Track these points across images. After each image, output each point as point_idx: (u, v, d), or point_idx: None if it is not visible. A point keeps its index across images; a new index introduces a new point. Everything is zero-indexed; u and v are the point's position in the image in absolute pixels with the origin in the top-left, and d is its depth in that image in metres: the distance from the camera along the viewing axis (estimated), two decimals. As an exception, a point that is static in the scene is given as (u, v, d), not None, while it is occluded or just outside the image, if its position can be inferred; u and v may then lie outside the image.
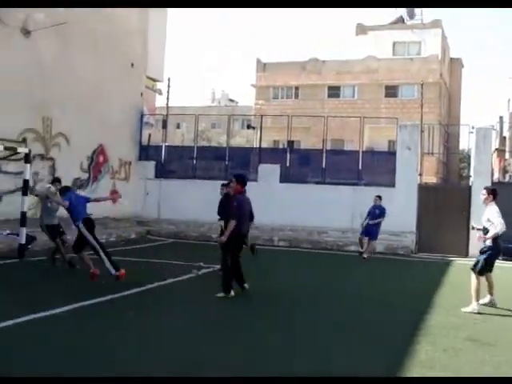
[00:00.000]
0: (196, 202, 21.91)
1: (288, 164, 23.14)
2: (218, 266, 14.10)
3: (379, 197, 18.86)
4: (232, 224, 10.51)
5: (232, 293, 10.57)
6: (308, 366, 6.76)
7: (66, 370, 6.14)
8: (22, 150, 15.50)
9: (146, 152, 24.73)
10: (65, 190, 12.57)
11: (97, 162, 21.37)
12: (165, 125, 26.14)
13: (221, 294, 10.49)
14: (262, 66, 49.26)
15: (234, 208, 10.67)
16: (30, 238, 14.93)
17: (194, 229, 22.55)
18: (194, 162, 24.43)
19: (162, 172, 24.20)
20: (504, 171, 22.90)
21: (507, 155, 36.34)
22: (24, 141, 17.96)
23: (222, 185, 14.46)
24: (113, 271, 11.23)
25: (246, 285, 11.05)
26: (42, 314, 8.51)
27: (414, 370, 6.71)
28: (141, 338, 7.71)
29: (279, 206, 21.14)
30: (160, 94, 35.63)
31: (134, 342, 7.47)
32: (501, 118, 46.26)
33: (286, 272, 15.01)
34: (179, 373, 6.27)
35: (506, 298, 11.47)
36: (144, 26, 24.54)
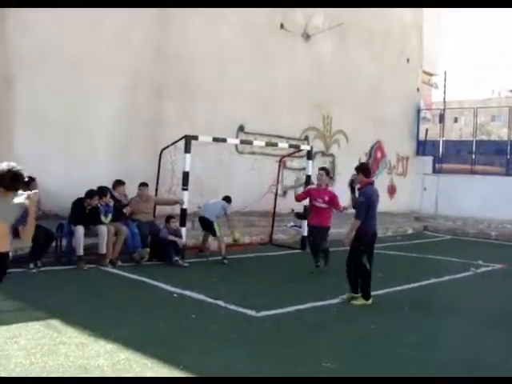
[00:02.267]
0: (474, 198, 21.33)
1: None
2: (498, 265, 13.81)
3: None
4: (356, 223, 9.05)
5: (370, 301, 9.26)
6: None
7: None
8: (305, 147, 16.39)
9: (423, 147, 24.62)
10: None
11: (375, 158, 21.82)
12: (442, 119, 25.72)
13: (358, 302, 9.20)
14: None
15: (362, 205, 9.07)
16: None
17: (473, 225, 21.95)
18: (473, 156, 23.75)
19: (439, 167, 23.92)
20: None
21: None
22: (306, 138, 19.07)
23: None
24: None
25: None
26: (320, 303, 9.08)
27: None
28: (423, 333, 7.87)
29: None
30: (436, 88, 35.08)
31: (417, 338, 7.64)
32: None
33: None
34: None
35: None
36: (419, 21, 24.39)
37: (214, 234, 12.92)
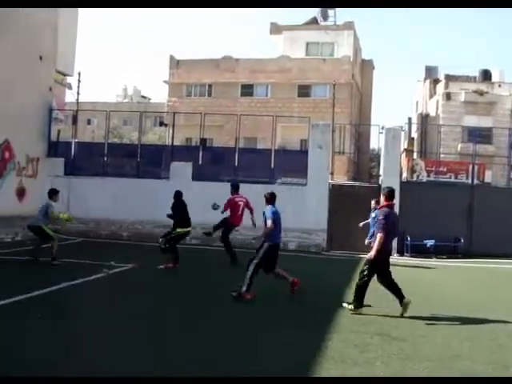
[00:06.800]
0: (107, 200, 21.53)
1: (201, 162, 23.01)
2: (130, 265, 14.06)
3: (376, 201, 17.81)
4: (380, 238, 9.85)
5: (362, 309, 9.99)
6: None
7: None
8: None
9: (55, 148, 23.94)
10: None
11: (2, 158, 20.55)
12: (75, 120, 25.44)
13: (350, 306, 9.98)
14: (176, 63, 48.78)
15: (382, 222, 9.95)
16: None
17: (105, 227, 22.13)
18: (105, 158, 23.91)
19: (71, 169, 23.57)
20: (412, 171, 23.49)
21: (415, 155, 37.41)
22: None
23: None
24: None
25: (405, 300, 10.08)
26: None
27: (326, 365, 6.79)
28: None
29: (191, 205, 20.91)
30: (70, 88, 34.83)
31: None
32: (409, 118, 47.72)
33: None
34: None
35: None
36: (54, 20, 23.78)
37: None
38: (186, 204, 15.15)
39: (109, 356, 6.95)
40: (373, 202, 17.60)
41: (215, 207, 16.03)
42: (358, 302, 10.00)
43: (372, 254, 9.93)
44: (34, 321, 8.43)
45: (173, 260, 14.49)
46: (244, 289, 10.57)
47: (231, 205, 16.08)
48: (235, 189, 16.49)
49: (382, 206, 10.48)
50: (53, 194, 14.73)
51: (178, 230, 14.73)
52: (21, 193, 21.37)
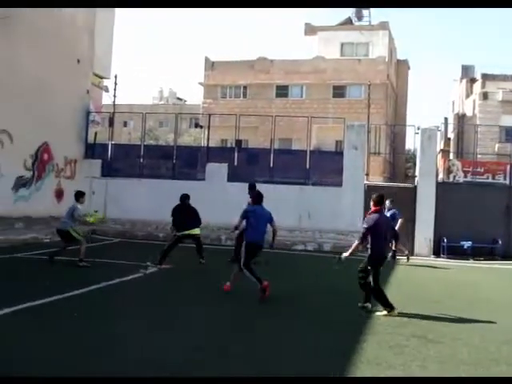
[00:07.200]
0: (142, 202, 21.74)
1: (236, 163, 23.11)
2: (165, 266, 14.18)
3: (391, 200, 18.48)
4: (354, 244, 10.41)
5: (395, 311, 9.99)
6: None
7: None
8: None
9: (92, 150, 24.33)
10: None
11: (41, 160, 20.91)
12: (111, 123, 25.77)
13: (383, 313, 9.99)
14: (211, 65, 49.02)
15: (363, 230, 10.29)
16: None
17: (141, 228, 22.35)
18: (141, 160, 24.17)
19: (108, 170, 23.88)
20: (448, 171, 23.25)
21: (451, 156, 37.01)
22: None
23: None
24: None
25: (367, 304, 10.39)
26: None
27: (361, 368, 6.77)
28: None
29: (227, 205, 21.04)
30: (106, 91, 35.26)
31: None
32: (445, 119, 47.17)
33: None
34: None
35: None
36: (91, 23, 24.14)
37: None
38: (191, 208, 15.24)
39: (155, 355, 6.99)
40: (387, 202, 17.85)
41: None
42: (387, 306, 10.03)
43: (345, 254, 10.41)
44: (70, 321, 8.56)
45: (158, 259, 14.43)
46: (259, 285, 10.70)
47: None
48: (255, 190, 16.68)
49: (371, 212, 10.59)
50: (79, 196, 14.73)
51: (180, 232, 14.84)
52: (59, 194, 21.73)
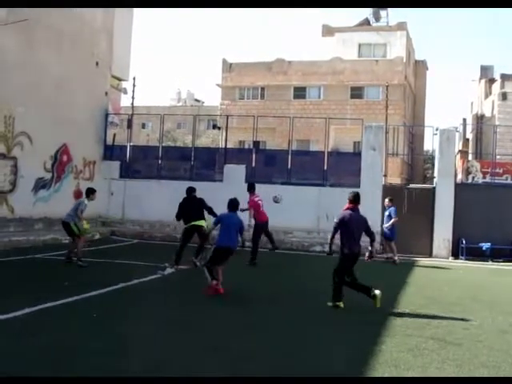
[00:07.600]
0: (161, 203, 21.81)
1: (254, 164, 23.14)
2: (183, 267, 14.23)
3: (390, 199, 19.01)
4: (329, 238, 10.89)
5: (341, 305, 10.38)
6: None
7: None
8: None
9: (110, 152, 24.48)
10: None
11: (60, 162, 21.08)
12: (130, 124, 25.91)
13: (329, 304, 10.41)
14: (228, 67, 49.09)
15: (334, 224, 10.80)
16: None
17: (160, 229, 22.43)
18: (160, 162, 24.26)
19: (126, 172, 24.00)
20: (467, 172, 23.12)
21: (470, 156, 36.79)
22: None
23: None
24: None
25: (376, 292, 10.44)
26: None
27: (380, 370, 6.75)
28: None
29: (244, 206, 21.04)
30: (125, 92, 35.45)
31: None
32: (464, 119, 46.90)
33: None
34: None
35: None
36: (109, 25, 24.29)
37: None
38: (196, 199, 15.28)
39: (174, 356, 7.03)
40: (386, 201, 19.04)
41: (277, 200, 17.82)
42: (336, 299, 10.40)
43: (327, 250, 11.23)
44: (89, 320, 8.61)
45: (174, 260, 14.47)
46: (209, 280, 11.08)
47: (253, 205, 16.70)
48: (254, 189, 16.98)
49: (345, 209, 10.92)
50: (90, 192, 14.99)
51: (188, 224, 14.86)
52: (78, 195, 21.77)
